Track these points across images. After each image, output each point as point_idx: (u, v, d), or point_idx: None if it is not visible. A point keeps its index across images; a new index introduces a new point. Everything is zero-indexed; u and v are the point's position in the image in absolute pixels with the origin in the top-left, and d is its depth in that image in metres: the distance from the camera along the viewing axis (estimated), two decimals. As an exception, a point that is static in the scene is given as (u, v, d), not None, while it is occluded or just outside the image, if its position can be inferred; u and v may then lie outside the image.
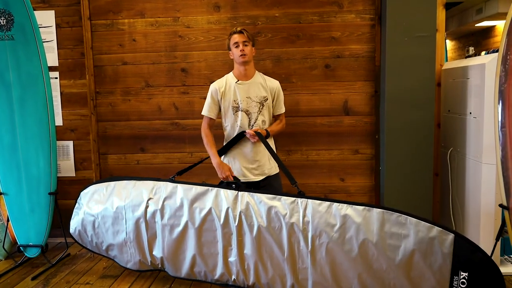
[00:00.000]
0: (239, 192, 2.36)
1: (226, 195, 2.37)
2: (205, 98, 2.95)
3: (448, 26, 8.00)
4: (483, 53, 3.34)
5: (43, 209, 3.18)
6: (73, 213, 2.78)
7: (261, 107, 2.65)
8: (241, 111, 2.62)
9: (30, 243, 3.18)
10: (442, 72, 3.32)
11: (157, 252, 2.53)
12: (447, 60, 4.48)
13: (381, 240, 2.08)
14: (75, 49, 3.62)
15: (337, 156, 3.34)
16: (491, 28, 7.63)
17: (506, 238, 2.56)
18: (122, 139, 3.46)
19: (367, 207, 2.14)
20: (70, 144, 3.70)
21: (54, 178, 3.22)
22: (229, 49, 2.65)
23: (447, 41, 8.96)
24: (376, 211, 2.12)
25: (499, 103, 2.44)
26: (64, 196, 3.73)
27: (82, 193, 2.78)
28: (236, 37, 2.57)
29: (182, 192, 2.46)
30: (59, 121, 3.66)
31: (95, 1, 3.34)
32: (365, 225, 2.11)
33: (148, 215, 2.51)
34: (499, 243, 2.54)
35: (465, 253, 2.00)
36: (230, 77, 2.68)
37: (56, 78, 3.65)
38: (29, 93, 3.13)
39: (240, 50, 2.55)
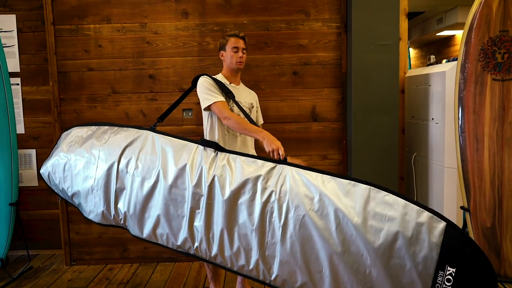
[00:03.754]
0: (219, 152, 2.19)
1: (205, 153, 2.20)
2: (173, 105, 2.92)
3: (411, 35, 8.27)
4: (444, 61, 3.48)
5: (3, 220, 3.06)
6: (50, 153, 2.58)
7: (249, 114, 2.57)
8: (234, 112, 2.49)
9: (-11, 257, 3.04)
10: (406, 79, 3.43)
11: (122, 206, 2.33)
12: (410, 68, 4.63)
13: (363, 220, 1.85)
14: (38, 54, 3.52)
15: (306, 162, 3.37)
16: (451, 37, 7.95)
17: (468, 239, 2.65)
18: (87, 147, 3.37)
19: (352, 182, 1.94)
20: (32, 152, 3.58)
21: (15, 188, 3.10)
22: (223, 49, 2.55)
23: (410, 49, 9.25)
24: (362, 187, 1.91)
25: (459, 109, 2.55)
26: (25, 207, 3.60)
27: (63, 133, 2.59)
28: (237, 42, 2.50)
29: (160, 143, 2.30)
30: (20, 129, 3.54)
31: (59, 5, 3.26)
32: (347, 201, 1.90)
33: (122, 163, 2.32)
34: (461, 244, 2.63)
35: (456, 246, 1.74)
36: (220, 78, 2.56)
37: (18, 84, 3.54)
38: (-12, 100, 3.02)
39: (239, 57, 2.50)
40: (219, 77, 2.57)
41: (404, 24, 3.30)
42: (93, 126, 2.52)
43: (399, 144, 3.24)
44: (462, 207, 2.61)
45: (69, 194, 2.49)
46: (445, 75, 2.88)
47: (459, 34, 7.42)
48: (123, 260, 3.42)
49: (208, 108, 2.44)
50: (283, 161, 2.10)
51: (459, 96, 2.54)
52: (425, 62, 8.60)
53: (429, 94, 3.12)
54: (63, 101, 3.33)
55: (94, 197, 2.41)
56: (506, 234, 2.51)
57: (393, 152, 3.16)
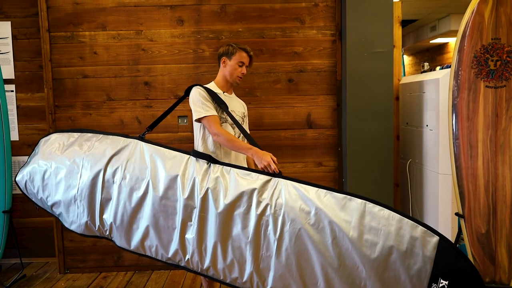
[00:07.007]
0: (212, 164, 2.17)
1: (198, 165, 2.16)
2: (168, 112, 2.92)
3: (405, 42, 8.35)
4: (437, 68, 3.50)
5: (-3, 228, 3.03)
6: (27, 160, 2.50)
7: (242, 123, 2.55)
8: (227, 123, 2.47)
9: (-18, 265, 3.01)
10: (400, 87, 3.46)
11: (108, 216, 2.26)
12: (405, 75, 4.66)
13: (359, 234, 1.88)
14: (33, 61, 3.52)
15: (301, 168, 3.38)
16: (445, 45, 8.03)
17: (463, 245, 2.66)
18: (82, 154, 3.35)
19: (348, 196, 1.96)
20: (26, 159, 3.56)
21: (9, 196, 3.08)
22: (228, 57, 2.49)
23: (405, 56, 9.32)
24: (357, 201, 1.94)
25: (452, 116, 2.57)
26: (19, 214, 3.58)
27: (42, 140, 2.49)
28: (245, 58, 2.48)
29: (150, 153, 2.25)
30: (15, 136, 3.52)
31: (54, 12, 3.26)
32: (343, 215, 1.92)
33: (108, 173, 2.24)
34: (456, 250, 2.64)
35: (448, 259, 1.81)
36: (213, 87, 2.53)
37: (12, 91, 3.52)
38: (-18, 107, 3.00)
39: (242, 73, 2.49)
40: (212, 86, 2.54)
41: (398, 31, 3.33)
42: (75, 133, 2.44)
43: (394, 150, 3.25)
44: (457, 214, 2.61)
45: (49, 203, 2.40)
46: (438, 82, 2.91)
47: (452, 41, 7.49)
48: (117, 268, 3.39)
49: (199, 120, 2.42)
50: (278, 174, 2.10)
51: (452, 103, 2.56)
52: (419, 69, 8.67)
53: (423, 101, 3.14)
54: (58, 108, 3.32)
55: (76, 207, 2.33)
56: (500, 241, 2.52)
57: (388, 159, 3.17)
